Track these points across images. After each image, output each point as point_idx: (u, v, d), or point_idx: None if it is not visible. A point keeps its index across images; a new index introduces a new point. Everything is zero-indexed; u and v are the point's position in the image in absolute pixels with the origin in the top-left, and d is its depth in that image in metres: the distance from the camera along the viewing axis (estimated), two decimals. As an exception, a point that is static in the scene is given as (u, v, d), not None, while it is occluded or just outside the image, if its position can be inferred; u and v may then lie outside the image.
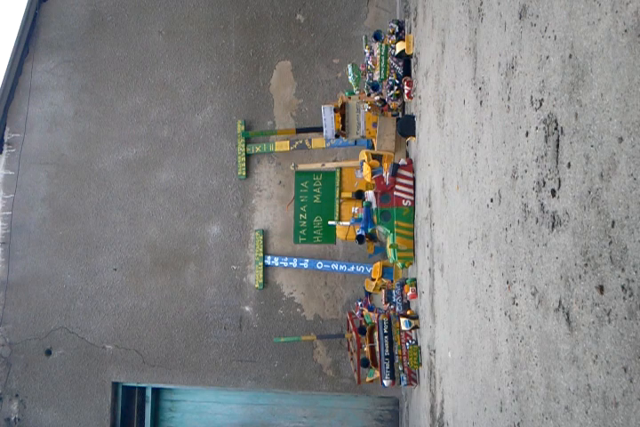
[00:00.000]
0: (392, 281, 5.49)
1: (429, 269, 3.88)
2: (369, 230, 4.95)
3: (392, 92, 4.94)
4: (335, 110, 5.46)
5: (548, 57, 1.59)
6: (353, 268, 6.53)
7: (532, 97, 1.72)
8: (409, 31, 4.98)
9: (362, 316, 5.38)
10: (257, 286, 6.75)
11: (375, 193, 4.72)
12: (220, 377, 6.82)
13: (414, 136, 4.76)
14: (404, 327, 4.45)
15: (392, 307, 5.04)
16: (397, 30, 4.97)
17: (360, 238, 5.17)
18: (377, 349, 4.68)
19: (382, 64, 4.96)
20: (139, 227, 7.10)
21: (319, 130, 5.81)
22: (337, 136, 5.64)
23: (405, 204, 4.63)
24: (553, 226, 1.54)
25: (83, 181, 7.26)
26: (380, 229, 4.87)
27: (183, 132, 7.11)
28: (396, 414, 6.69)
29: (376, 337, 4.69)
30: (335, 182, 6.50)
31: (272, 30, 7.00)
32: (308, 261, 6.64)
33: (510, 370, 1.94)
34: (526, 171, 1.76)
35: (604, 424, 1.24)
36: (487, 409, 2.26)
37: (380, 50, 4.96)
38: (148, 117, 7.19)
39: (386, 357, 4.55)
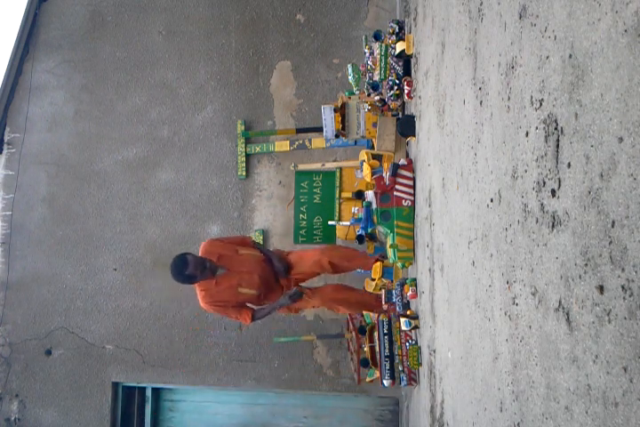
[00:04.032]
0: (392, 281, 5.48)
1: (429, 269, 3.88)
2: (369, 230, 4.94)
3: (392, 92, 4.93)
4: (335, 110, 5.45)
5: (548, 57, 1.59)
6: (353, 268, 6.50)
7: (532, 97, 1.72)
8: (409, 31, 4.98)
9: (362, 316, 5.38)
10: (257, 285, 6.73)
11: (375, 193, 4.71)
12: (221, 377, 6.81)
13: (414, 136, 4.75)
14: (404, 327, 4.45)
15: (392, 307, 5.03)
16: (397, 30, 4.96)
17: (360, 238, 5.16)
18: (377, 349, 4.67)
19: (382, 64, 4.95)
20: (139, 227, 7.10)
21: (319, 130, 5.80)
22: (337, 136, 5.63)
23: (405, 204, 4.62)
24: (553, 226, 1.54)
25: (83, 181, 7.26)
26: (380, 229, 4.86)
27: (183, 132, 7.11)
28: (395, 414, 6.68)
29: (376, 337, 4.68)
30: (335, 182, 6.48)
31: (272, 30, 7.00)
32: (308, 261, 6.62)
33: (510, 370, 1.94)
34: (526, 171, 1.76)
35: (604, 424, 1.24)
36: (487, 409, 2.26)
37: (380, 50, 4.95)
38: (148, 117, 7.19)
39: (386, 357, 4.54)
